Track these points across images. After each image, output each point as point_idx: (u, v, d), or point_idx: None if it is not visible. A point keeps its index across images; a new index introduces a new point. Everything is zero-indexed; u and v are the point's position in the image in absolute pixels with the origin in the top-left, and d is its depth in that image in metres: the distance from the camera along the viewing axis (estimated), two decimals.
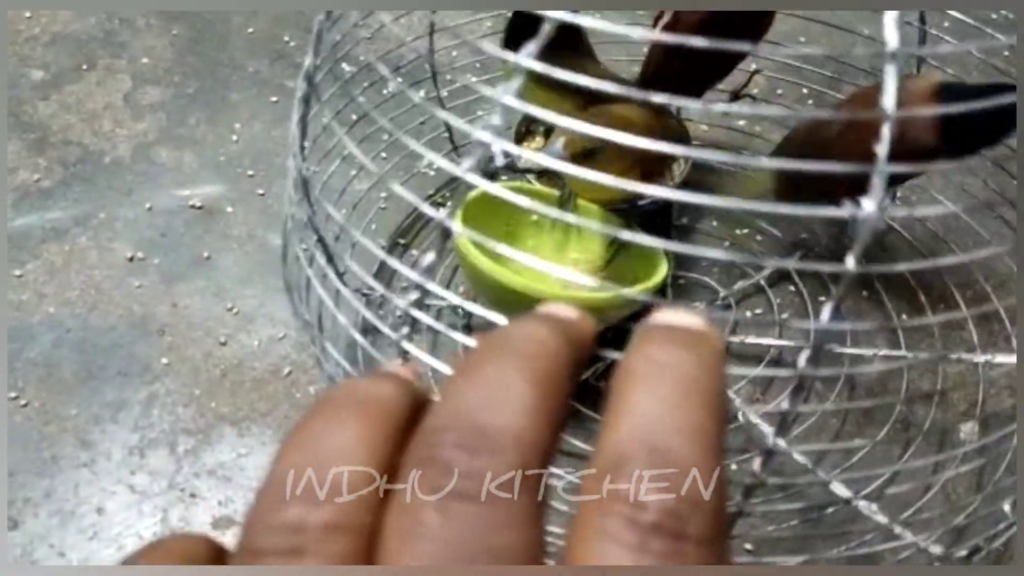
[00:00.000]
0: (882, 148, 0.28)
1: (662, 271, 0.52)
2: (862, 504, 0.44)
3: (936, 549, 0.42)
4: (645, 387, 0.15)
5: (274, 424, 0.52)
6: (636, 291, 0.46)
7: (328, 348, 0.43)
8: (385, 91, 0.67)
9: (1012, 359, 0.46)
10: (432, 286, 0.31)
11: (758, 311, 0.58)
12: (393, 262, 0.34)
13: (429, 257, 0.31)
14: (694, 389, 0.15)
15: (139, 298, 0.58)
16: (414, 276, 0.31)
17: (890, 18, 0.28)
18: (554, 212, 0.30)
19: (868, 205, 0.27)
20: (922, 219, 0.59)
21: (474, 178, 0.29)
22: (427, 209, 0.33)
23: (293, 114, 0.43)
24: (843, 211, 0.28)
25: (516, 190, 0.54)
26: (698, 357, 0.15)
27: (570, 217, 0.30)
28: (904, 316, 0.57)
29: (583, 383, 0.42)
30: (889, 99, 0.27)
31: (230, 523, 0.48)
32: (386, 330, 0.35)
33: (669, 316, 0.16)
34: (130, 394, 0.53)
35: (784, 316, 0.57)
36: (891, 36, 0.28)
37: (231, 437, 0.51)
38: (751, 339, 0.56)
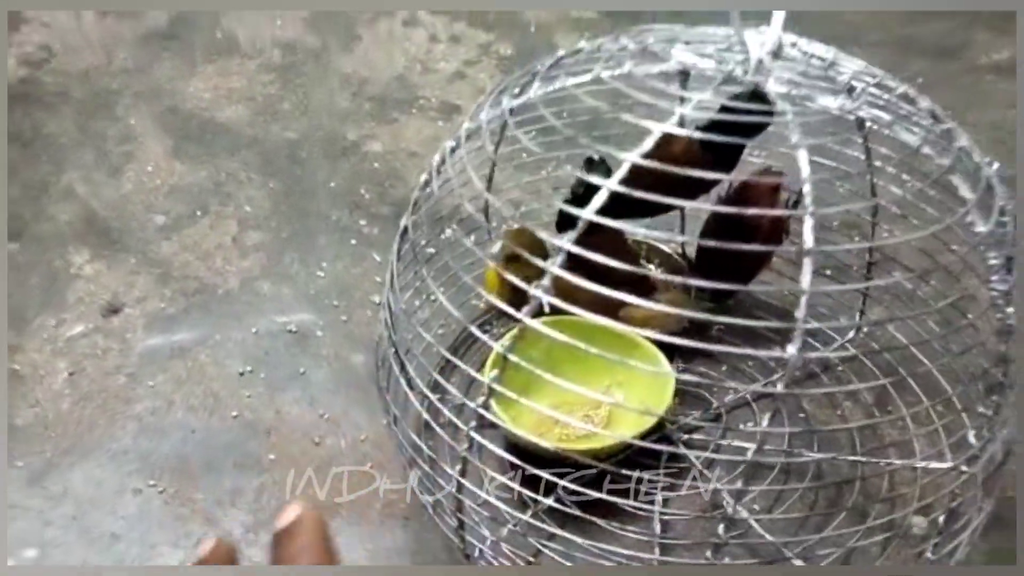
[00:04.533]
0: (800, 312, 0.42)
1: (668, 394, 0.66)
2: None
3: None
4: None
5: (358, 509, 0.66)
6: (632, 438, 0.62)
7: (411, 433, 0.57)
8: (443, 236, 0.83)
9: (943, 465, 0.59)
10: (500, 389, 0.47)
11: (749, 423, 0.72)
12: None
13: (494, 372, 0.47)
14: None
15: (249, 405, 0.72)
16: (486, 381, 0.47)
17: (803, 159, 0.44)
18: (582, 345, 0.45)
19: (791, 349, 0.42)
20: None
21: (532, 322, 0.45)
22: (496, 345, 0.48)
23: (392, 259, 0.59)
24: (775, 353, 0.43)
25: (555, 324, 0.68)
26: None
27: (593, 350, 0.45)
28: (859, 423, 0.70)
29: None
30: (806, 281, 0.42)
31: None
32: (458, 423, 0.49)
33: None
34: (245, 483, 0.67)
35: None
36: (804, 169, 0.43)
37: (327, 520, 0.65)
38: (736, 443, 0.69)
